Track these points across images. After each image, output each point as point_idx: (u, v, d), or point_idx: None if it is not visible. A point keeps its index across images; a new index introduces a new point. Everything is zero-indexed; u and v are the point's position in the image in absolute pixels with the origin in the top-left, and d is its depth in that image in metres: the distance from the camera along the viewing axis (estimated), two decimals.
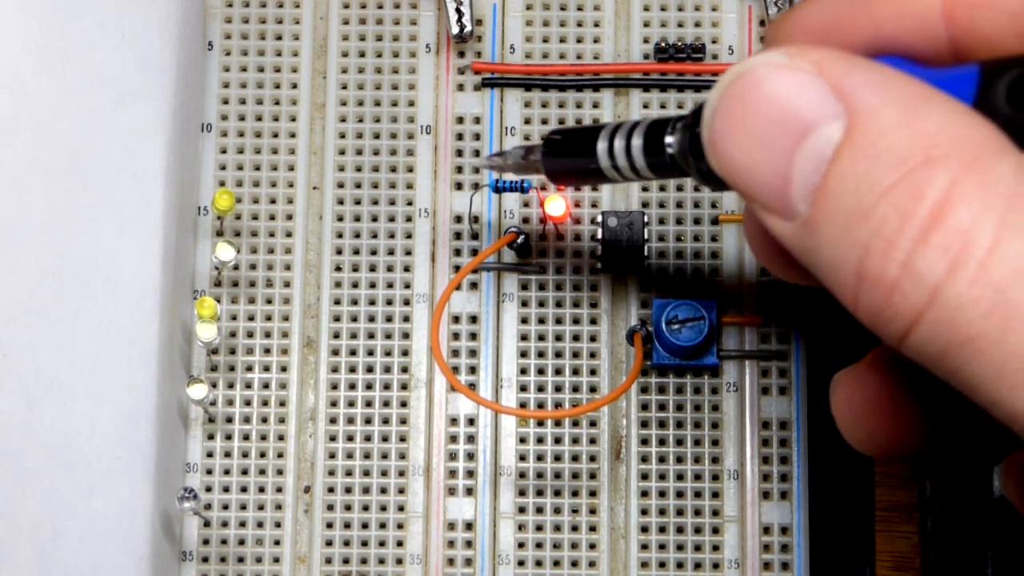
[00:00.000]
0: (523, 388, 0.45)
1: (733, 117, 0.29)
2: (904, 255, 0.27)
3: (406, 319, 0.46)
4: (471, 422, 0.45)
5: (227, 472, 0.45)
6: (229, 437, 0.45)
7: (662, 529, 0.44)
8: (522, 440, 0.45)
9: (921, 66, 0.30)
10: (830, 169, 0.28)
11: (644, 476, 0.45)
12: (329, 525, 0.45)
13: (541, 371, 0.45)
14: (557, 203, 0.45)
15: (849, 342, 0.46)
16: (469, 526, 0.45)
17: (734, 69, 0.29)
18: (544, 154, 0.39)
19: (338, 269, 0.46)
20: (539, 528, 0.45)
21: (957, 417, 0.33)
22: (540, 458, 0.45)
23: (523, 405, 0.45)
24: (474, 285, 0.46)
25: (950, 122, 0.27)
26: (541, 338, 0.46)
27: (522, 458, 0.45)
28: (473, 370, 0.45)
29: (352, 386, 0.45)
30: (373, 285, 0.46)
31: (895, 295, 0.27)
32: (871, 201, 0.27)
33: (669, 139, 0.33)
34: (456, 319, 0.46)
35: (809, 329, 0.45)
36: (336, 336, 0.46)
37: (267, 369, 0.45)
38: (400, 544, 0.44)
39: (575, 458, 0.45)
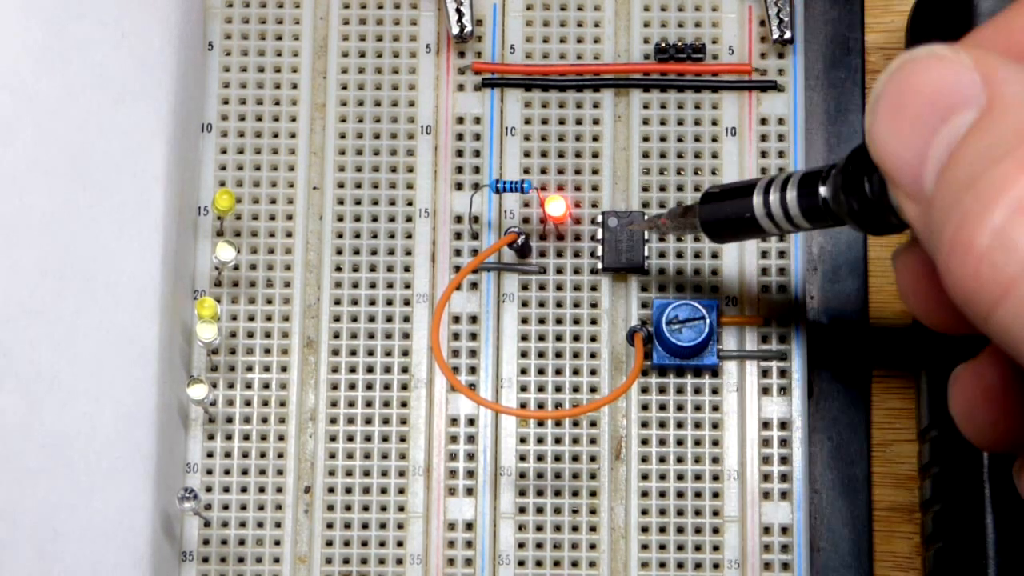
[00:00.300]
0: (523, 388, 0.45)
1: (892, 99, 0.30)
2: (999, 223, 0.26)
3: (406, 319, 0.46)
4: (471, 422, 0.45)
5: (227, 472, 0.45)
6: (229, 437, 0.45)
7: (662, 529, 0.44)
8: (522, 440, 0.45)
9: None
10: (958, 146, 0.28)
11: (644, 476, 0.45)
12: (329, 525, 0.45)
13: (541, 371, 0.45)
14: (557, 203, 0.45)
15: (849, 342, 0.46)
16: (469, 526, 0.45)
17: (900, 57, 0.30)
18: (701, 210, 0.41)
19: (338, 269, 0.46)
20: (539, 528, 0.45)
21: None
22: (540, 458, 0.45)
23: (523, 405, 0.45)
24: (474, 285, 0.46)
25: None
26: (541, 338, 0.46)
27: (522, 458, 0.45)
28: (473, 370, 0.45)
29: (352, 386, 0.45)
30: (373, 285, 0.46)
31: (984, 265, 0.27)
32: (980, 171, 0.27)
33: (822, 188, 0.35)
34: (456, 319, 0.46)
35: (809, 329, 0.45)
36: (336, 336, 0.46)
37: (267, 369, 0.45)
38: (400, 544, 0.44)
39: (575, 458, 0.45)
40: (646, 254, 0.45)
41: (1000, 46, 0.32)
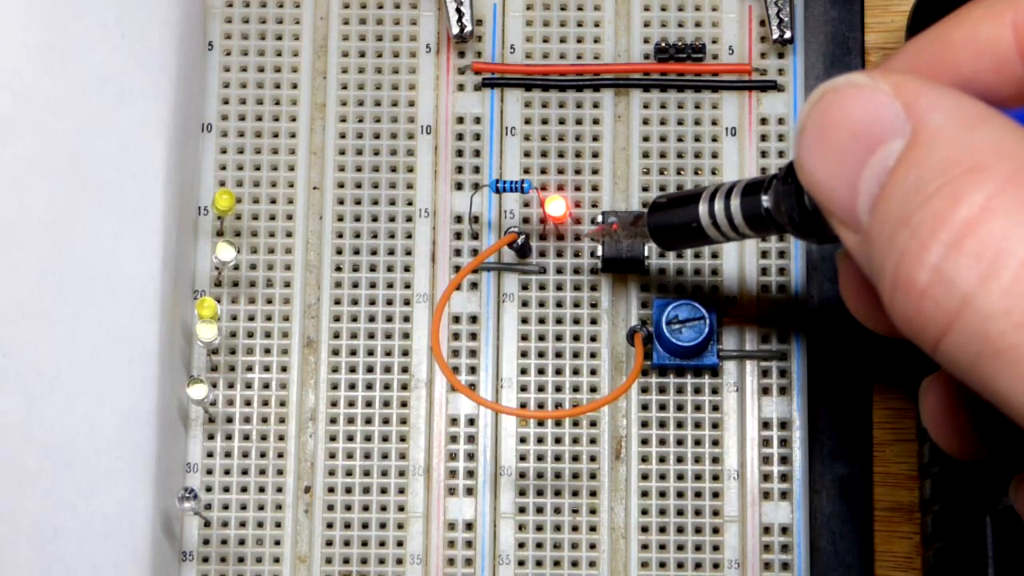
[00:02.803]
0: (523, 388, 0.45)
1: (816, 132, 0.30)
2: (936, 260, 0.27)
3: (406, 319, 0.46)
4: (471, 422, 0.45)
5: (227, 472, 0.45)
6: (229, 437, 0.45)
7: (662, 529, 0.44)
8: (522, 440, 0.45)
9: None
10: (888, 180, 0.28)
11: (644, 476, 0.45)
12: (329, 525, 0.45)
13: (541, 371, 0.45)
14: (557, 203, 0.45)
15: (850, 342, 0.46)
16: (469, 526, 0.45)
17: (820, 88, 0.30)
18: (650, 218, 0.41)
19: (338, 269, 0.46)
20: (539, 528, 0.45)
21: None
22: (540, 458, 0.45)
23: (523, 405, 0.45)
24: (474, 285, 0.46)
25: (1003, 138, 0.27)
26: (541, 338, 0.46)
27: (522, 458, 0.45)
28: (473, 370, 0.45)
29: (352, 386, 0.45)
30: (373, 285, 0.46)
31: (926, 301, 0.27)
32: (914, 207, 0.27)
33: (764, 197, 0.36)
34: (456, 319, 0.46)
35: (809, 329, 0.45)
36: (336, 336, 0.46)
37: (267, 369, 0.45)
38: (400, 544, 0.44)
39: (575, 458, 0.45)
40: (646, 254, 0.45)
41: (933, 62, 0.31)
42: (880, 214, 0.28)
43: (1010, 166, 0.27)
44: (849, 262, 0.36)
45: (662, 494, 0.45)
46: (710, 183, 0.46)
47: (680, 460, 0.45)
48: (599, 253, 0.45)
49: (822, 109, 0.30)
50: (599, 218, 0.45)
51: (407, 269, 0.46)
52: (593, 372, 0.45)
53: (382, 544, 0.45)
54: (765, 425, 0.45)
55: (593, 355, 0.45)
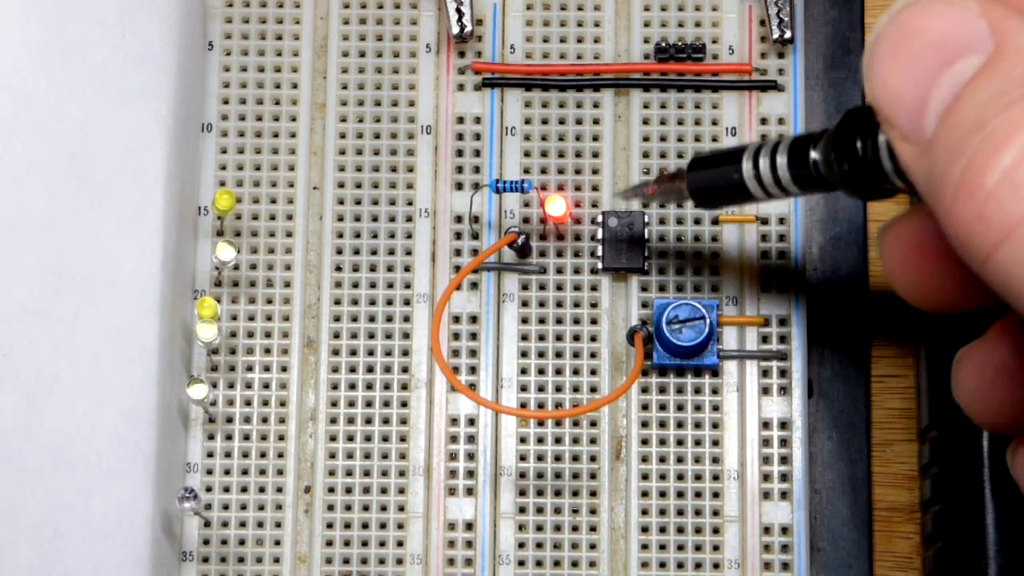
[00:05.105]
0: (523, 388, 0.45)
1: (894, 40, 0.30)
2: (1009, 163, 0.27)
3: (406, 319, 0.46)
4: (471, 422, 0.45)
5: (227, 472, 0.45)
6: (229, 437, 0.45)
7: (662, 529, 0.44)
8: (522, 440, 0.45)
9: None
10: (964, 89, 0.28)
11: (644, 476, 0.45)
12: (329, 525, 0.45)
13: (541, 371, 0.45)
14: (557, 203, 0.45)
15: (850, 342, 0.46)
16: (469, 526, 0.45)
17: (902, 0, 0.30)
18: (690, 174, 0.40)
19: (338, 269, 0.46)
20: (539, 528, 0.45)
21: None
22: (540, 458, 0.45)
23: (523, 405, 0.45)
24: (474, 285, 0.46)
25: None
26: (541, 338, 0.46)
27: (522, 458, 0.45)
28: (473, 370, 0.45)
29: (352, 386, 0.45)
30: (373, 285, 0.46)
31: (991, 204, 0.27)
32: (992, 114, 0.27)
33: (814, 152, 0.35)
34: (456, 319, 0.46)
35: (809, 329, 0.45)
36: (336, 336, 0.46)
37: (267, 369, 0.45)
38: (400, 544, 0.44)
39: (575, 458, 0.45)
40: (646, 254, 0.45)
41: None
42: (952, 120, 0.28)
43: None
44: (896, 230, 0.35)
45: (662, 494, 0.45)
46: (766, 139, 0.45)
47: (680, 460, 0.45)
48: (599, 253, 0.45)
49: (904, 18, 0.30)
50: (599, 218, 0.45)
51: (407, 269, 0.46)
52: (593, 372, 0.45)
53: (382, 544, 0.45)
54: (765, 425, 0.45)
55: (593, 355, 0.45)
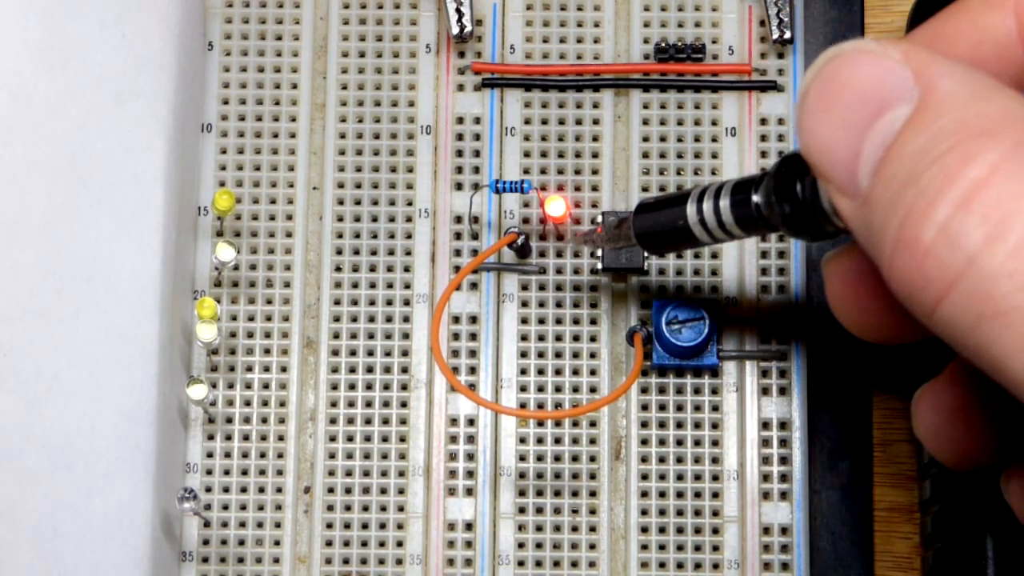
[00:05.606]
0: (523, 388, 0.45)
1: (822, 94, 0.30)
2: (943, 218, 0.27)
3: (406, 319, 0.46)
4: (471, 422, 0.45)
5: (227, 472, 0.45)
6: (229, 437, 0.45)
7: (662, 529, 0.44)
8: (522, 440, 0.45)
9: None
10: (894, 142, 0.28)
11: (644, 476, 0.45)
12: (329, 525, 0.45)
13: (541, 371, 0.45)
14: (557, 203, 0.45)
15: (849, 342, 0.46)
16: (469, 526, 0.45)
17: (827, 52, 0.30)
18: (635, 220, 0.40)
19: (338, 269, 0.46)
20: (539, 528, 0.45)
21: None
22: (540, 458, 0.45)
23: (523, 405, 0.45)
24: (474, 285, 0.46)
25: (1011, 107, 0.27)
26: (541, 338, 0.46)
27: (522, 458, 0.45)
28: (473, 370, 0.45)
29: (352, 386, 0.45)
30: (373, 285, 0.46)
31: (929, 259, 0.27)
32: (923, 167, 0.27)
33: (755, 195, 0.35)
34: (456, 319, 0.46)
35: (809, 329, 0.45)
36: (336, 336, 0.46)
37: (267, 369, 0.45)
38: (400, 544, 0.45)
39: (575, 458, 0.45)
40: (646, 255, 0.45)
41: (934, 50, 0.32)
42: (885, 175, 0.28)
43: (1019, 133, 0.27)
44: (836, 264, 0.35)
45: (662, 494, 0.45)
46: (710, 183, 0.46)
47: (680, 460, 0.45)
48: (598, 254, 0.45)
49: (829, 72, 0.30)
50: (599, 218, 0.45)
51: (407, 269, 0.46)
52: (593, 372, 0.45)
53: (382, 544, 0.45)
54: (765, 425, 0.45)
55: (593, 355, 0.45)
